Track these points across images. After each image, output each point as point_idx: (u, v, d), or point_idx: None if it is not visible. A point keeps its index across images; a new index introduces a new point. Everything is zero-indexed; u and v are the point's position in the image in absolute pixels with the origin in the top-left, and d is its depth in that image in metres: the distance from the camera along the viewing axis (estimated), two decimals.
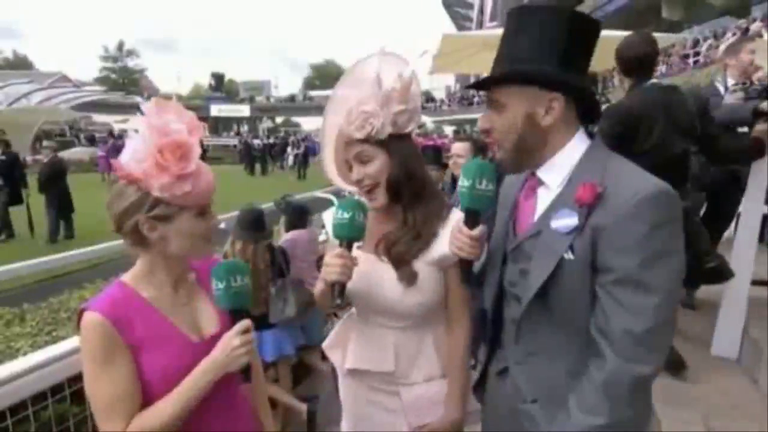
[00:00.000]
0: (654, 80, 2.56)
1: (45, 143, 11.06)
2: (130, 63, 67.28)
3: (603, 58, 1.91)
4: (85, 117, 32.62)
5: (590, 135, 1.06)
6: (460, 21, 48.59)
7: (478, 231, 1.10)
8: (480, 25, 37.83)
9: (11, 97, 22.82)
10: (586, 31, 1.04)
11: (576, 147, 1.03)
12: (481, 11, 41.42)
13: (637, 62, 2.52)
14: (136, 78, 66.53)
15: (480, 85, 1.11)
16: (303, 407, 2.90)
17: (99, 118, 37.97)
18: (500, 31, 1.10)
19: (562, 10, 1.01)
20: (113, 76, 65.28)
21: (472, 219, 1.11)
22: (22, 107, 21.90)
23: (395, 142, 1.27)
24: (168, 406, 1.02)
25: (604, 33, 1.16)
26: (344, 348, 1.43)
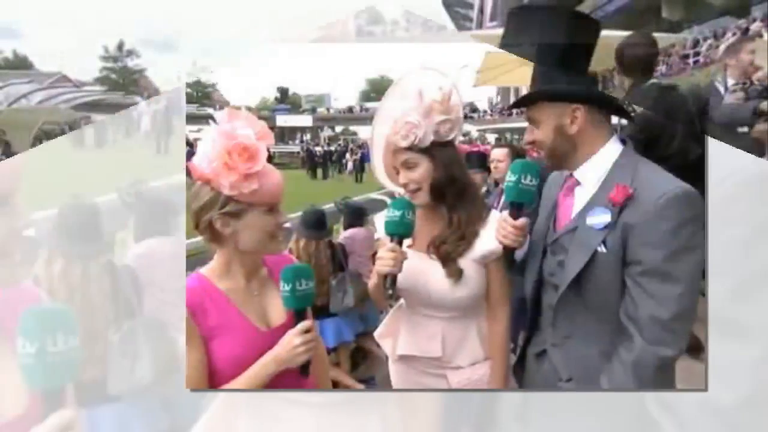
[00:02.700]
0: (654, 80, 2.61)
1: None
2: (130, 63, 66.54)
3: (603, 58, 1.96)
4: (84, 117, 32.55)
5: (623, 141, 1.18)
6: (460, 21, 48.31)
7: (521, 221, 1.22)
8: (480, 25, 37.59)
9: (11, 97, 22.67)
10: (586, 31, 1.12)
11: (610, 151, 1.16)
12: (481, 11, 41.19)
13: (637, 62, 2.56)
14: (136, 78, 66.14)
15: (517, 104, 1.25)
16: (361, 388, 3.13)
17: (99, 118, 37.85)
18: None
19: (562, 10, 1.10)
20: (113, 76, 64.40)
21: (516, 210, 1.23)
22: (22, 107, 21.84)
23: (438, 149, 1.38)
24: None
25: (604, 33, 1.21)
26: (395, 337, 1.55)
